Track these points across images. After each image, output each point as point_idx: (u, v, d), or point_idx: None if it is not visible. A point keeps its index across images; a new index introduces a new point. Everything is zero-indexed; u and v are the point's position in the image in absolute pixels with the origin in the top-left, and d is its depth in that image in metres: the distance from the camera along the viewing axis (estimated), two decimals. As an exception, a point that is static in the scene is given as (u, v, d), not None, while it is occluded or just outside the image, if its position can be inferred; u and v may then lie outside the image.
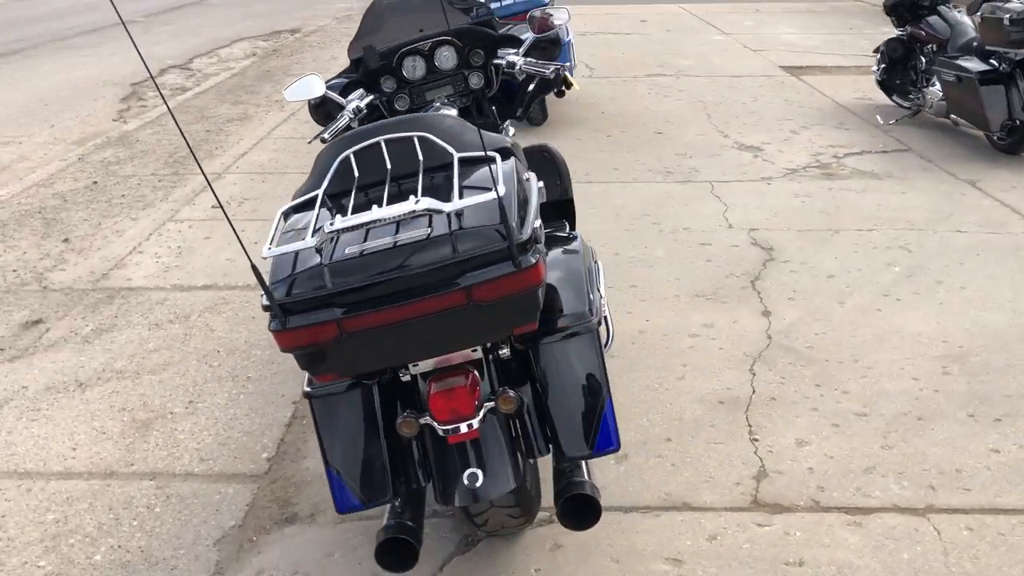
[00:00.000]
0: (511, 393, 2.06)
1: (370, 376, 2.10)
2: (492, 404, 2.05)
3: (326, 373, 1.98)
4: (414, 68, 3.11)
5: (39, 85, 9.08)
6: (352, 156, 2.11)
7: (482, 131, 2.19)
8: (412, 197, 1.86)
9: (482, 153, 2.01)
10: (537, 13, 3.10)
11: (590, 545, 2.48)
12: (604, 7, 12.55)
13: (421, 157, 2.12)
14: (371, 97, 3.03)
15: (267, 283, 1.85)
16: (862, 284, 3.98)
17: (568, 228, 3.13)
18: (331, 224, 1.83)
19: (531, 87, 3.18)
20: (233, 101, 8.13)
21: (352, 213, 1.92)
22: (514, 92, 3.21)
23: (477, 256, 1.84)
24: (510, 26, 3.31)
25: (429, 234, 1.86)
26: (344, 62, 3.57)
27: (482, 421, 2.04)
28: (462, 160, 2.06)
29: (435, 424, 2.01)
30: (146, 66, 1.73)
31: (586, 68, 8.66)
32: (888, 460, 2.78)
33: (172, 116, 2.14)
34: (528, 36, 3.09)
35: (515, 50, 3.08)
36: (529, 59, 3.02)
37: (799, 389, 3.17)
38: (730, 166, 5.69)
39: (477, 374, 2.08)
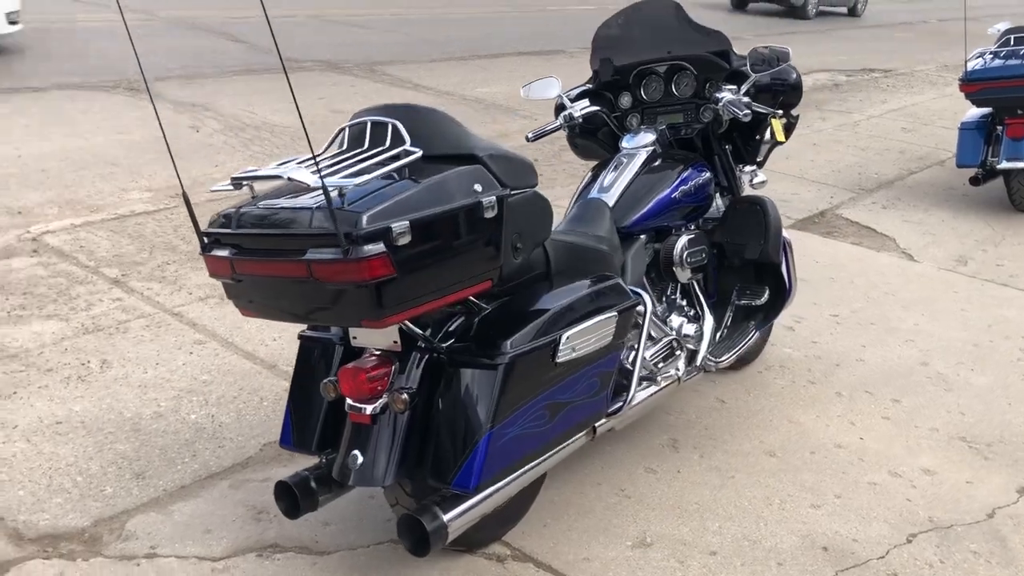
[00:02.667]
0: (404, 395, 2.14)
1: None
2: (385, 400, 2.16)
3: (238, 308, 2.16)
4: (654, 89, 3.23)
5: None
6: (347, 129, 2.21)
7: (472, 136, 2.18)
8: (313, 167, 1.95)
9: (405, 149, 2.06)
10: (764, 49, 3.07)
11: None
12: None
13: (388, 142, 2.10)
14: (593, 108, 3.18)
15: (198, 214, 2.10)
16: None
17: (761, 292, 3.20)
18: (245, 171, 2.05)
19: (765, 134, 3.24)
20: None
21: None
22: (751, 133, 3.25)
23: (319, 235, 1.88)
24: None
25: (317, 205, 1.92)
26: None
27: (382, 411, 2.16)
28: (420, 154, 2.06)
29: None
30: (140, 67, 2.31)
31: None
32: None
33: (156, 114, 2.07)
34: (759, 75, 3.06)
35: (735, 87, 3.09)
36: (743, 99, 3.03)
37: None
38: None
39: (394, 366, 2.19)
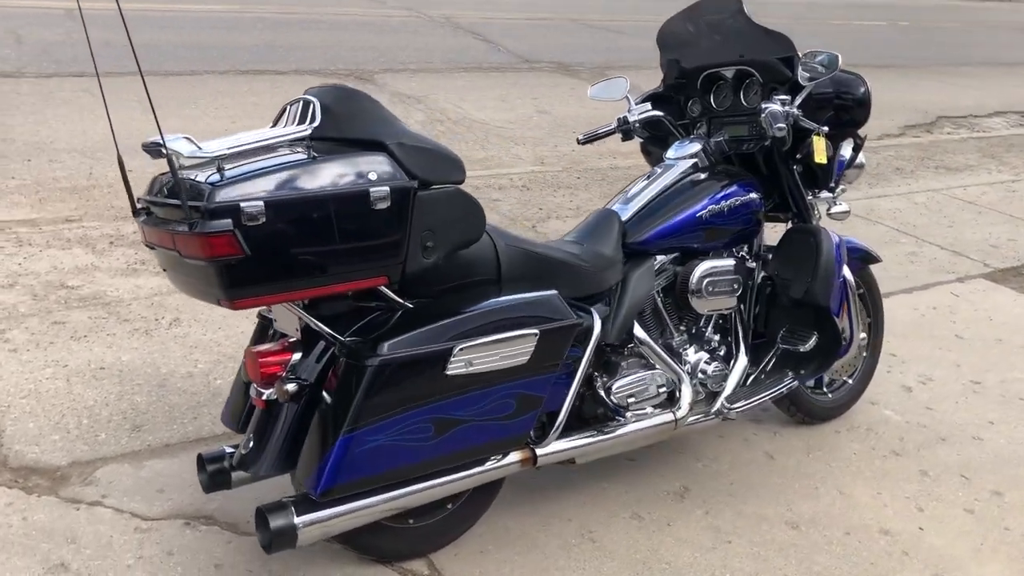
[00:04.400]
0: (288, 386, 2.07)
1: None
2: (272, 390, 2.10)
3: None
4: (724, 96, 2.92)
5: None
6: (289, 107, 2.10)
7: (393, 124, 2.07)
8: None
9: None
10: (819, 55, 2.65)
11: None
12: None
13: (307, 121, 2.02)
14: (654, 113, 2.95)
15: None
16: None
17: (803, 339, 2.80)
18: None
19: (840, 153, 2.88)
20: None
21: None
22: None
23: (179, 207, 1.83)
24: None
25: (207, 178, 1.87)
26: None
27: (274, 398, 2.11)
28: (307, 133, 2.00)
29: None
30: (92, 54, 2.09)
31: None
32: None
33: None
34: (811, 84, 2.67)
35: (789, 97, 2.71)
36: (792, 111, 2.67)
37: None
38: None
39: (297, 355, 2.13)
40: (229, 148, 1.94)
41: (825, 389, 3.28)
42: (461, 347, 2.08)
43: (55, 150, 5.60)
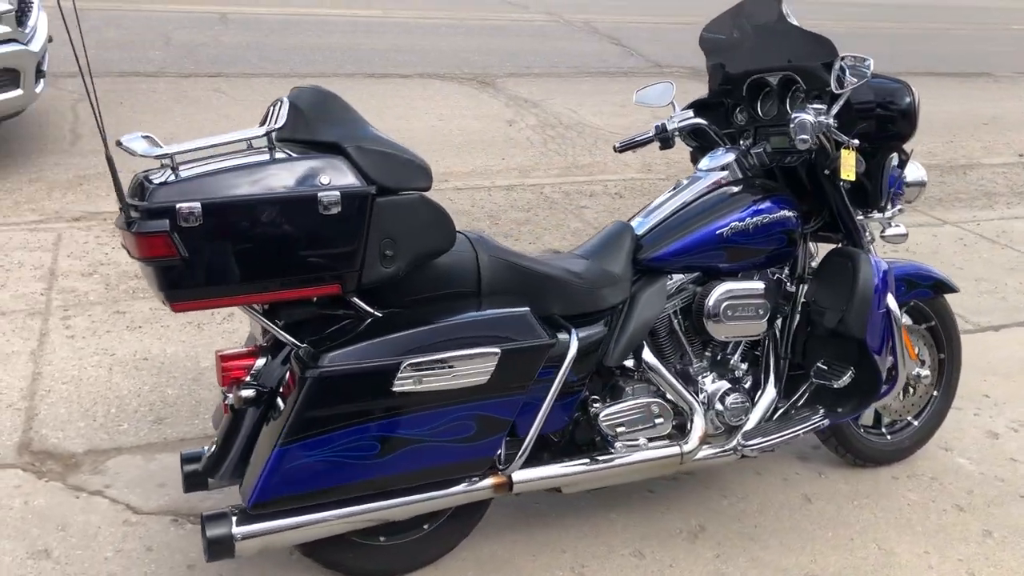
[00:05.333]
0: (243, 392, 2.02)
1: None
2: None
3: None
4: (770, 105, 2.70)
5: None
6: (271, 108, 2.04)
7: (359, 128, 2.00)
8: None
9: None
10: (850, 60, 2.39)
11: None
12: None
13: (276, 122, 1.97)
14: (695, 121, 2.75)
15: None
16: None
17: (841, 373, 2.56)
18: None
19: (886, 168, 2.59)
20: None
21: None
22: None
23: (130, 205, 1.82)
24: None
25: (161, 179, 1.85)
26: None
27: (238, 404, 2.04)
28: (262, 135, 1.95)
29: None
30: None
31: None
32: None
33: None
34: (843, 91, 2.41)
35: (825, 106, 2.46)
36: (826, 121, 2.42)
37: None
38: None
39: (257, 358, 2.09)
40: (187, 149, 1.92)
41: (884, 429, 2.97)
42: (409, 363, 1.97)
43: (173, 146, 5.88)
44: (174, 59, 7.81)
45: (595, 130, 6.96)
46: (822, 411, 2.62)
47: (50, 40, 5.70)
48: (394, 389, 1.97)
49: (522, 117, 7.12)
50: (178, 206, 1.79)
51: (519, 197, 5.34)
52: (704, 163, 2.67)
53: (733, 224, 2.46)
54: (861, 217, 2.64)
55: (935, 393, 3.01)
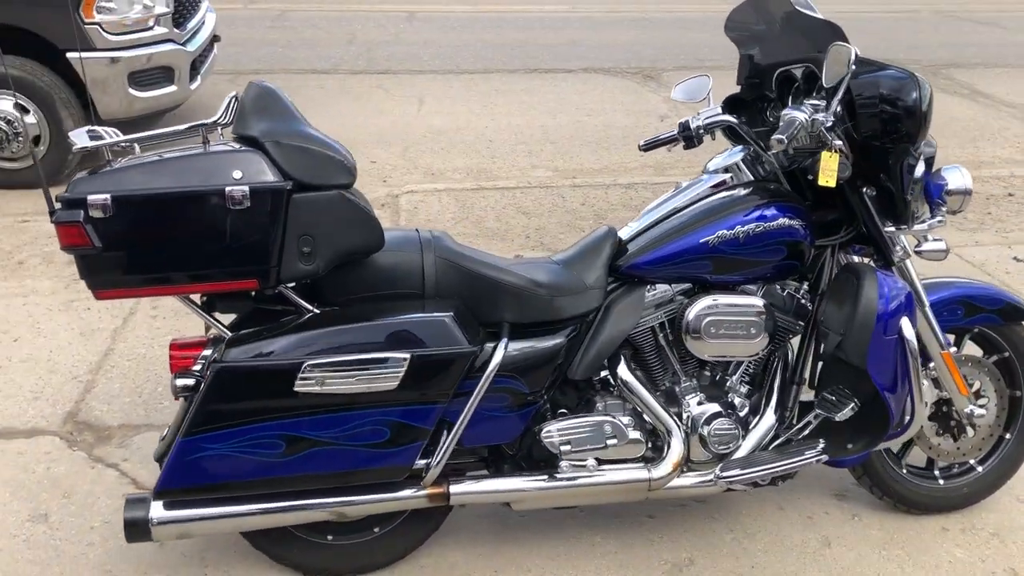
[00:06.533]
0: (179, 380, 2.02)
1: None
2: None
3: None
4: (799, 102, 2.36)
5: None
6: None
7: (286, 123, 2.00)
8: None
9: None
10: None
11: None
12: None
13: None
14: (722, 118, 2.47)
15: None
16: None
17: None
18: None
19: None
20: None
21: None
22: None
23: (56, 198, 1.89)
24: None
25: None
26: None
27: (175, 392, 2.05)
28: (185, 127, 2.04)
29: None
30: None
31: None
32: None
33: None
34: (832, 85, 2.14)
35: (824, 102, 2.20)
36: (823, 119, 2.15)
37: None
38: None
39: (205, 348, 2.08)
40: (123, 140, 1.99)
41: (937, 472, 2.60)
42: (311, 364, 1.94)
43: (322, 140, 6.14)
44: (351, 57, 8.17)
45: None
46: (822, 445, 2.32)
47: (217, 39, 6.15)
48: (296, 389, 1.94)
49: (677, 112, 6.86)
50: (89, 198, 1.85)
51: (636, 196, 5.14)
52: (712, 163, 2.44)
53: (721, 232, 2.23)
54: (892, 229, 2.30)
55: (1008, 436, 2.59)
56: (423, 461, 2.11)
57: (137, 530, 2.05)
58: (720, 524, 2.56)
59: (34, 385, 3.16)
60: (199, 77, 5.67)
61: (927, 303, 2.37)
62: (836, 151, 2.15)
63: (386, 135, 6.09)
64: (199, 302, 2.12)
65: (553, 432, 2.22)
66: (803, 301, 2.37)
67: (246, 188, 1.89)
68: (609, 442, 2.23)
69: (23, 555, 2.40)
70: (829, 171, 2.15)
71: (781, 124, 2.16)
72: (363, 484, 2.10)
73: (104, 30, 4.90)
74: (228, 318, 2.15)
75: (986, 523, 2.58)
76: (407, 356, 1.97)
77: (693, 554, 2.45)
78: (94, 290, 1.94)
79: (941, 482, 2.59)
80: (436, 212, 4.84)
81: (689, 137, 2.56)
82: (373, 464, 2.05)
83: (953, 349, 2.43)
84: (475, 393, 2.08)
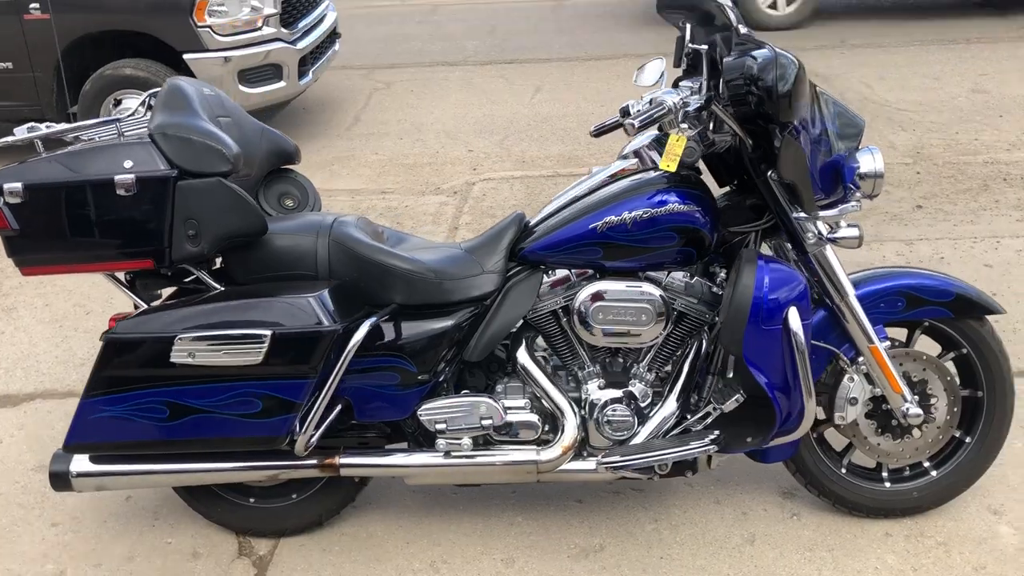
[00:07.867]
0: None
1: None
2: None
3: None
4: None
5: None
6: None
7: (180, 113, 2.17)
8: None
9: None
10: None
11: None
12: None
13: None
14: (686, 97, 2.18)
15: None
16: None
17: None
18: None
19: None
20: None
21: None
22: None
23: None
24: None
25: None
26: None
27: None
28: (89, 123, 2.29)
29: None
30: None
31: None
32: None
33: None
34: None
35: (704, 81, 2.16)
36: (684, 100, 2.14)
37: None
38: None
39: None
40: (48, 133, 2.26)
41: (885, 475, 2.42)
42: (181, 337, 2.11)
43: (431, 130, 6.35)
44: (484, 49, 8.36)
45: (879, 107, 6.17)
46: (712, 436, 2.23)
47: (337, 35, 6.52)
48: (172, 360, 2.12)
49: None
50: (5, 186, 2.12)
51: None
52: (629, 146, 2.40)
53: (608, 219, 2.19)
54: (803, 214, 2.18)
55: (967, 440, 2.38)
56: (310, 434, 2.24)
57: (59, 480, 2.31)
58: (646, 514, 2.52)
59: (87, 353, 3.55)
60: (310, 73, 6.05)
61: (850, 294, 2.22)
62: (682, 135, 2.07)
63: (491, 124, 6.23)
64: (124, 280, 2.34)
65: (429, 411, 2.28)
66: (715, 290, 2.29)
67: (132, 177, 2.09)
68: (484, 423, 2.26)
69: (16, 499, 2.74)
70: (672, 155, 2.08)
71: (641, 107, 2.11)
72: (244, 451, 2.26)
73: (215, 32, 5.35)
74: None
75: (938, 531, 2.38)
76: (267, 333, 2.11)
77: (606, 541, 2.43)
78: (20, 267, 2.21)
79: (887, 485, 2.41)
80: (503, 199, 4.93)
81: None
82: (248, 433, 2.20)
83: (886, 344, 2.26)
84: (334, 370, 2.17)
